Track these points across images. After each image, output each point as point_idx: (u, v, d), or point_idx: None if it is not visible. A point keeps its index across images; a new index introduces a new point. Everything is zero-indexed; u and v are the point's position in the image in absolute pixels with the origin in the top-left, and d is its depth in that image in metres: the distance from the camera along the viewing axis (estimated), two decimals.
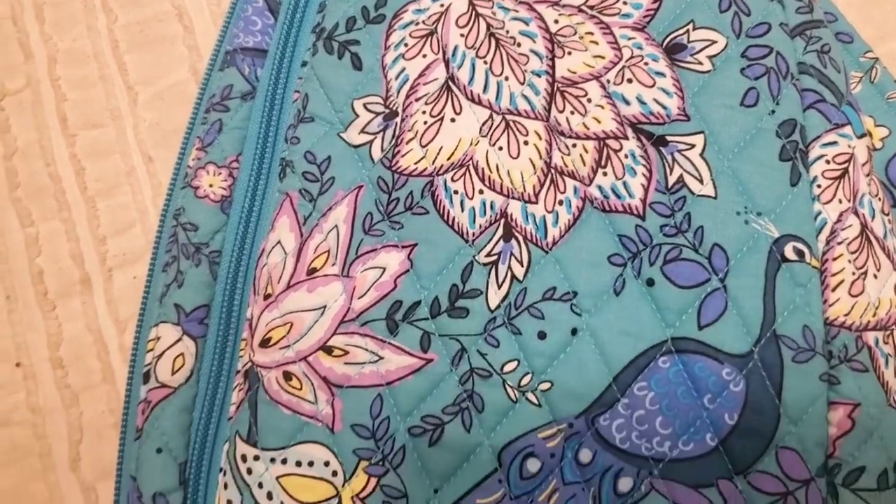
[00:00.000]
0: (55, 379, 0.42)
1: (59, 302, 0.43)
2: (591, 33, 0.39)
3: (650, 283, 0.35)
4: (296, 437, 0.35)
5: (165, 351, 0.37)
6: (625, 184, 0.37)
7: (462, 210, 0.37)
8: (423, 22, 0.40)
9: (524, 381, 0.35)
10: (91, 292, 0.43)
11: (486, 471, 0.34)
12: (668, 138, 0.37)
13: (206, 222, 0.39)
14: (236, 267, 0.38)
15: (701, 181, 0.36)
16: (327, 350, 0.36)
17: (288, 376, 0.36)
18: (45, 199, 0.45)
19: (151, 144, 0.45)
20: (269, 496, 0.34)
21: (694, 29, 0.38)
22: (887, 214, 0.38)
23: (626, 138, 0.37)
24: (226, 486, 0.35)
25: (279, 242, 0.37)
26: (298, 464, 0.35)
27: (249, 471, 0.35)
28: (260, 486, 0.35)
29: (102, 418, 0.41)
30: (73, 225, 0.44)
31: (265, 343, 0.36)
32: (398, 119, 0.38)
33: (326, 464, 0.35)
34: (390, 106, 0.39)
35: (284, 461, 0.35)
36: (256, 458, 0.35)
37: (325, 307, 0.36)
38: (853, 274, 0.35)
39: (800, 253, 0.35)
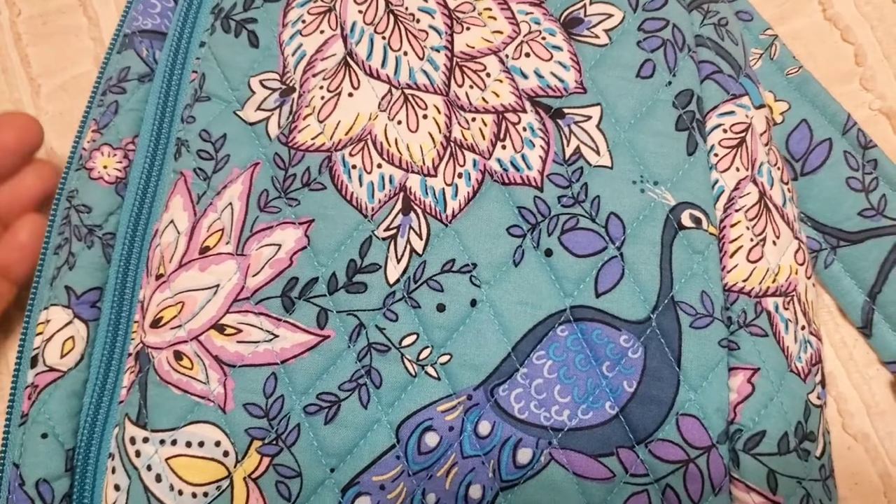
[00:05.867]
0: None
1: None
2: (490, 9, 0.39)
3: (548, 253, 0.35)
4: (186, 418, 0.34)
5: (55, 334, 0.36)
6: (523, 156, 0.36)
7: (360, 185, 0.36)
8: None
9: (423, 355, 0.34)
10: None
11: (383, 447, 0.33)
12: (566, 111, 0.37)
13: (100, 204, 0.38)
14: (129, 249, 0.37)
15: (598, 152, 0.36)
16: (219, 329, 0.35)
17: (179, 356, 0.34)
18: None
19: (54, 135, 0.44)
20: (158, 478, 0.33)
21: (591, 3, 0.39)
22: (787, 183, 0.38)
23: (525, 111, 0.37)
24: (114, 471, 0.34)
25: (172, 222, 0.37)
26: (188, 444, 0.33)
27: (138, 453, 0.34)
28: (149, 468, 0.33)
29: None
30: None
31: (156, 323, 0.35)
32: (295, 95, 0.38)
33: (217, 444, 0.33)
34: (287, 82, 0.38)
35: (174, 442, 0.33)
36: (146, 440, 0.34)
37: (218, 286, 0.35)
38: (751, 241, 0.35)
39: (697, 220, 0.35)
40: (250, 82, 0.38)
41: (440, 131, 0.37)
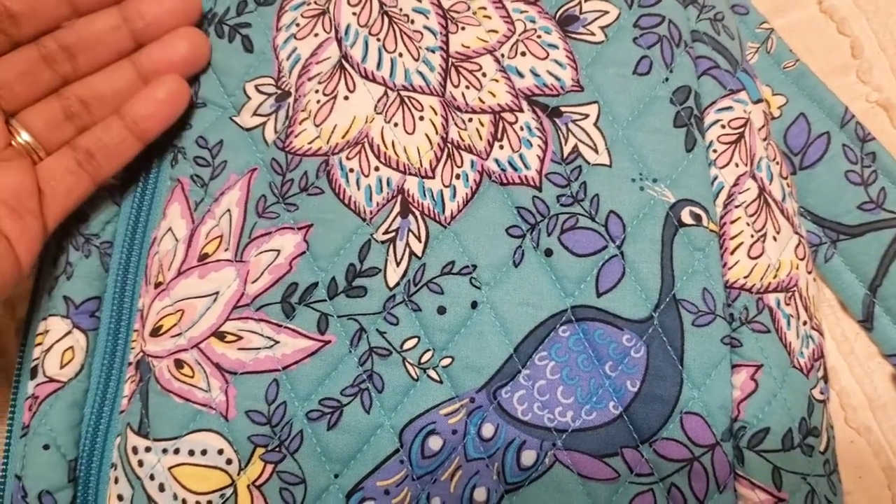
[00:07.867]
0: None
1: None
2: (484, 8, 0.39)
3: (548, 253, 0.35)
4: (188, 427, 0.34)
5: (54, 344, 0.36)
6: (521, 156, 0.36)
7: (358, 188, 0.36)
8: (315, 2, 0.39)
9: (425, 358, 0.34)
10: None
11: (387, 452, 0.33)
12: (563, 109, 0.37)
13: (97, 212, 0.38)
14: (127, 257, 0.37)
15: (596, 150, 0.36)
16: (220, 336, 0.34)
17: (180, 364, 0.34)
18: None
19: None
20: (161, 488, 0.33)
21: (586, 0, 0.38)
22: (786, 178, 0.38)
23: (522, 111, 0.37)
24: (116, 481, 0.34)
25: (170, 229, 0.36)
26: (191, 453, 0.33)
27: (141, 463, 0.33)
28: (152, 478, 0.33)
29: None
30: None
31: (156, 332, 0.35)
32: (291, 99, 0.37)
33: (220, 452, 0.33)
34: (282, 86, 0.38)
35: (177, 451, 0.33)
36: (148, 449, 0.34)
37: (217, 293, 0.35)
38: (752, 236, 0.35)
39: (697, 217, 0.35)
40: (246, 87, 0.38)
41: (437, 132, 0.37)
